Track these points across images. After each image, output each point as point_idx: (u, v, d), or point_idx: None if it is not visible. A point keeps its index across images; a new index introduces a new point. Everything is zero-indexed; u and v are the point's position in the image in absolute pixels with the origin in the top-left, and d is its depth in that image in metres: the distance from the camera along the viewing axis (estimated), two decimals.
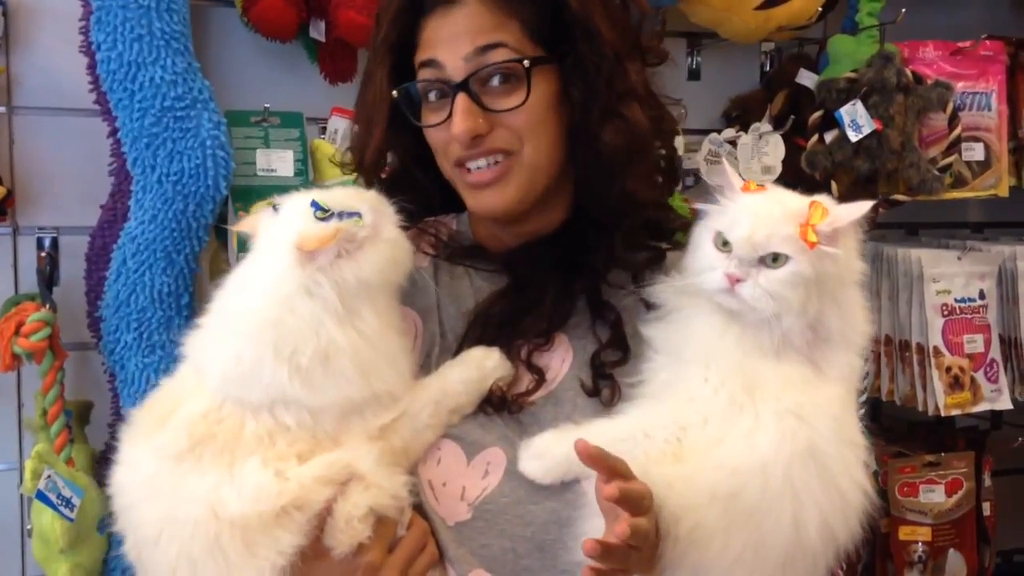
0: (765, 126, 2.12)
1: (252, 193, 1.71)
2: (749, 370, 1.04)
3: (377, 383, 1.07)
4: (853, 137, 2.00)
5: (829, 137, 2.05)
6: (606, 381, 1.15)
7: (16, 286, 1.84)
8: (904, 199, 2.06)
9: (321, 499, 1.02)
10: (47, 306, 1.68)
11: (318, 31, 1.88)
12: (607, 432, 1.05)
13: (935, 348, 2.08)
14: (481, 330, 1.19)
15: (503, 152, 1.16)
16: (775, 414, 1.01)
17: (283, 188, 1.73)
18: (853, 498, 1.03)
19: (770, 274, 1.02)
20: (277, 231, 1.09)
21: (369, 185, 1.22)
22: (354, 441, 1.06)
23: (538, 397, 1.16)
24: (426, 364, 1.18)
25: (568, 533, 1.06)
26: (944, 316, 2.10)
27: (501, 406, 1.15)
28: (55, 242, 1.81)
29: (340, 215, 1.07)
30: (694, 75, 2.24)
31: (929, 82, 2.06)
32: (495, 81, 1.14)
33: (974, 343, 2.11)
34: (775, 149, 2.11)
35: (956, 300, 2.11)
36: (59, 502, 1.55)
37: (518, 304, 1.20)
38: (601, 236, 1.21)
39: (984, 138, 2.15)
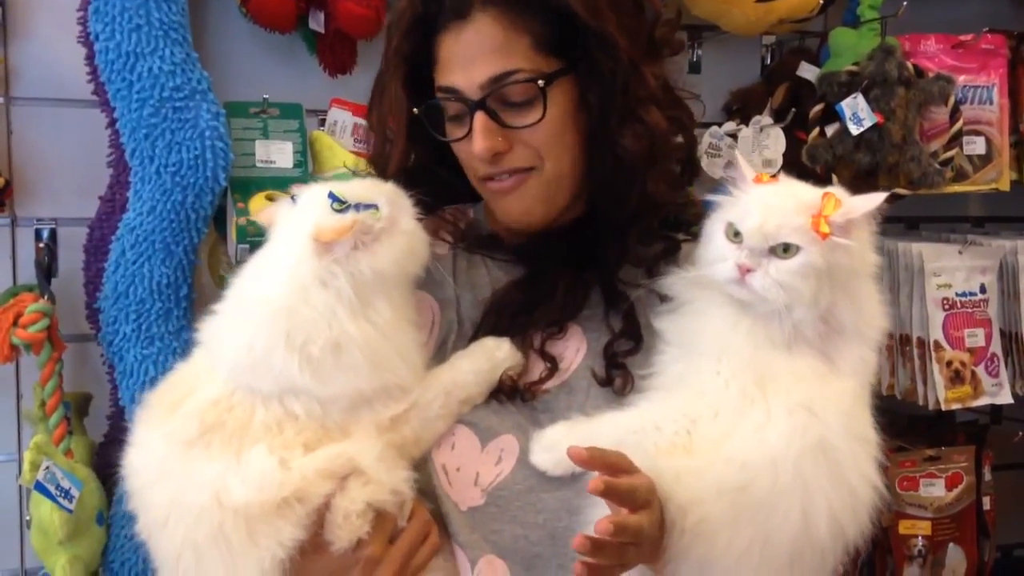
0: (766, 119, 2.12)
1: (251, 184, 1.71)
2: (760, 363, 1.04)
3: (388, 375, 1.07)
4: (854, 130, 1.99)
5: (830, 130, 2.04)
6: (619, 371, 1.16)
7: (14, 277, 1.83)
8: (905, 193, 2.05)
9: (321, 492, 1.03)
10: (45, 297, 1.68)
11: (317, 22, 1.87)
12: (617, 424, 1.06)
13: (936, 342, 2.08)
14: (496, 319, 1.20)
15: (527, 167, 1.18)
16: (786, 408, 1.01)
17: (282, 180, 1.73)
18: (863, 493, 1.03)
19: (781, 264, 1.02)
20: (294, 222, 1.10)
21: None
22: (363, 432, 1.07)
23: (552, 386, 1.17)
24: (442, 351, 1.20)
25: (579, 521, 1.06)
26: (945, 310, 2.09)
27: (513, 394, 1.16)
28: (53, 233, 1.80)
29: (357, 207, 1.08)
30: (694, 68, 2.23)
31: (930, 75, 2.05)
32: (512, 99, 1.15)
33: (975, 337, 2.11)
34: (776, 142, 2.11)
35: (957, 294, 2.10)
36: (58, 493, 1.55)
37: (533, 294, 1.21)
38: (616, 229, 1.22)
39: (985, 132, 2.14)
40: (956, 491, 2.20)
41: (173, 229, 1.63)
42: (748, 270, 1.03)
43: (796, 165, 2.06)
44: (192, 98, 1.62)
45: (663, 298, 1.15)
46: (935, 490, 2.18)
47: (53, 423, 1.65)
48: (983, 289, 2.13)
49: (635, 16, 1.20)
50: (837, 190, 1.06)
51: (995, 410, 2.32)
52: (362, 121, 1.87)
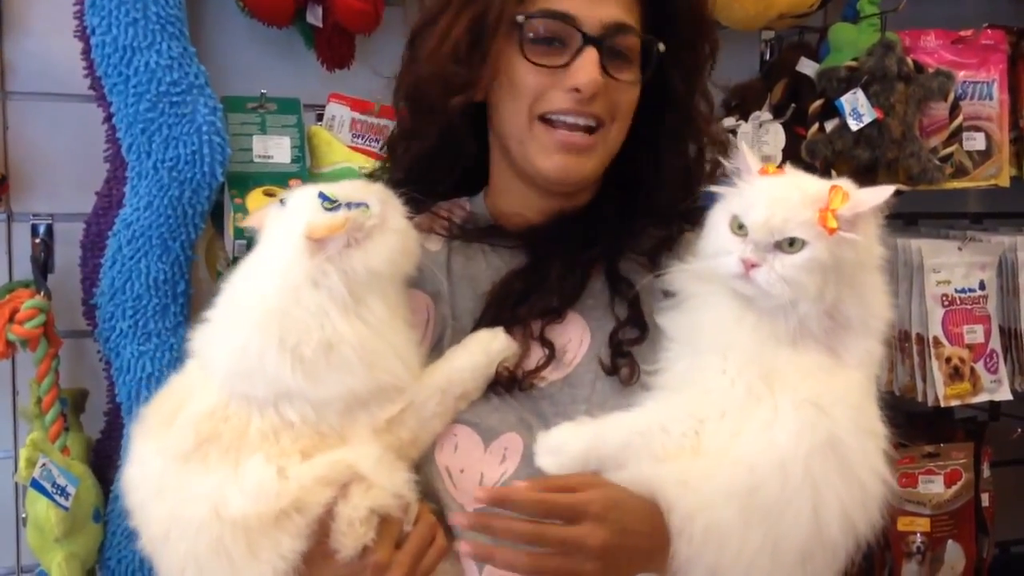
0: (765, 115, 2.11)
1: (248, 180, 1.70)
2: (766, 359, 1.03)
3: (382, 375, 1.06)
4: (854, 126, 1.99)
5: (829, 126, 2.03)
6: (624, 359, 1.15)
7: (10, 273, 1.82)
8: (904, 188, 2.04)
9: (321, 501, 1.02)
10: (41, 293, 1.67)
11: (315, 16, 1.86)
12: (623, 426, 1.05)
13: (935, 338, 2.07)
14: (496, 310, 1.19)
15: (600, 121, 1.17)
16: (793, 405, 1.00)
17: (280, 175, 1.72)
18: (873, 488, 1.03)
19: (786, 259, 1.01)
20: (284, 224, 1.09)
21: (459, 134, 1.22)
22: (360, 436, 1.06)
23: (556, 379, 1.16)
24: (438, 348, 1.19)
25: None
26: (944, 306, 2.09)
27: (511, 385, 1.15)
28: (50, 229, 1.78)
29: (348, 205, 1.08)
30: None
31: (930, 71, 2.05)
32: (622, 54, 1.16)
33: (974, 333, 2.10)
34: (775, 138, 2.10)
35: (956, 290, 2.10)
36: (54, 490, 1.54)
37: (532, 282, 1.20)
38: (623, 215, 1.22)
39: (985, 127, 2.14)
40: (955, 488, 2.19)
41: (170, 225, 1.62)
42: (753, 265, 1.02)
43: (795, 161, 2.05)
44: (189, 93, 1.61)
45: (666, 292, 1.14)
46: (934, 487, 2.17)
47: (49, 420, 1.63)
48: (982, 285, 2.13)
49: (714, 33, 1.26)
50: (844, 183, 1.04)
51: (994, 406, 2.31)
52: (361, 116, 1.86)
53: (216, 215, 1.71)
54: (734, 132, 2.11)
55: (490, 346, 1.14)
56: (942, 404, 2.07)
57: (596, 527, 0.97)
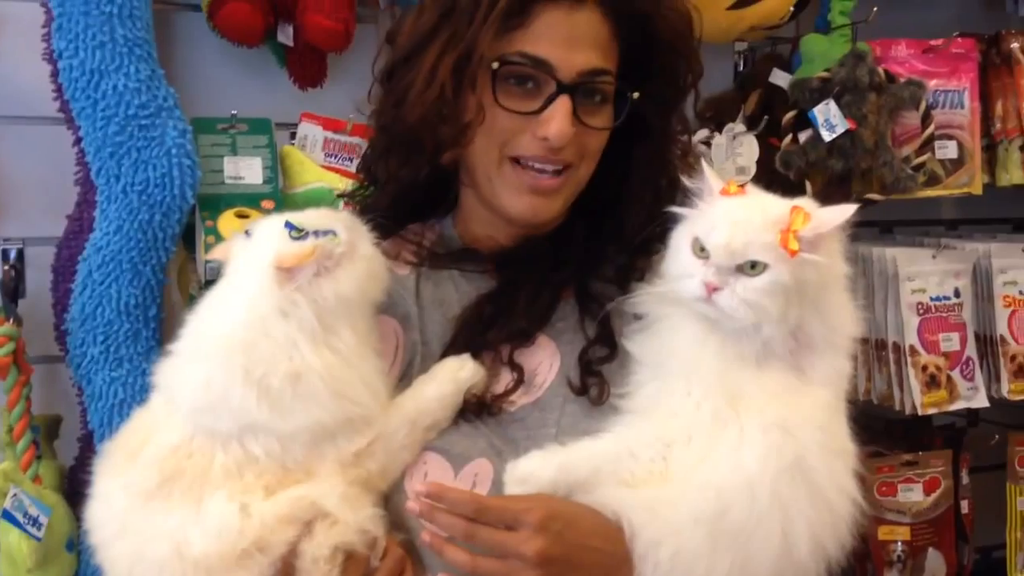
0: (739, 126, 2.11)
1: (220, 201, 1.69)
2: (731, 382, 1.03)
3: (349, 405, 1.05)
4: (827, 136, 1.99)
5: (803, 137, 2.04)
6: (594, 379, 1.15)
7: None
8: (878, 198, 2.05)
9: (284, 540, 1.01)
10: (11, 320, 1.65)
11: (286, 36, 1.86)
12: (592, 453, 1.04)
13: (911, 347, 2.08)
14: (466, 335, 1.18)
15: (570, 166, 1.17)
16: (760, 428, 1.00)
17: (252, 196, 1.71)
18: (842, 509, 1.03)
19: (748, 283, 1.01)
20: (251, 255, 1.08)
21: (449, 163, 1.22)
22: (326, 470, 1.05)
23: (526, 403, 1.16)
24: (408, 374, 1.17)
25: None
26: (919, 315, 2.09)
27: (481, 410, 1.14)
28: (20, 253, 1.77)
29: (316, 234, 1.07)
30: None
31: (901, 81, 2.06)
32: (596, 99, 1.16)
33: (950, 341, 2.11)
34: (749, 149, 2.10)
35: (931, 298, 2.11)
36: (26, 521, 1.52)
37: (503, 306, 1.19)
38: (593, 237, 1.23)
39: (957, 136, 2.15)
40: (934, 495, 2.20)
41: (140, 248, 1.61)
42: (715, 288, 1.01)
43: (770, 172, 2.06)
44: (158, 115, 1.60)
45: (636, 315, 1.14)
46: (913, 495, 2.18)
47: (21, 449, 1.62)
48: (957, 293, 2.14)
49: (695, 58, 1.25)
50: (806, 203, 1.04)
51: (971, 413, 2.32)
52: (333, 135, 1.86)
53: (188, 238, 1.70)
54: (708, 144, 2.11)
55: (458, 374, 1.13)
56: (920, 412, 2.07)
57: (534, 536, 0.98)
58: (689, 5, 1.23)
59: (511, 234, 1.24)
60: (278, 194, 1.74)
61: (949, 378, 2.10)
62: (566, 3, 1.13)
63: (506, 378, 1.16)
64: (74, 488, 1.70)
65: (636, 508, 0.97)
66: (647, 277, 1.16)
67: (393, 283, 1.17)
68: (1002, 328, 2.18)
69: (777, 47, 2.23)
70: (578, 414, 1.14)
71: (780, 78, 2.10)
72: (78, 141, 1.67)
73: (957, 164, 2.15)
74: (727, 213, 1.04)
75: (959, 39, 2.17)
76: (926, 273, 2.11)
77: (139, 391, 1.61)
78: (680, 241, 1.08)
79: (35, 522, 1.53)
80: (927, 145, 2.08)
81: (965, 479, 2.25)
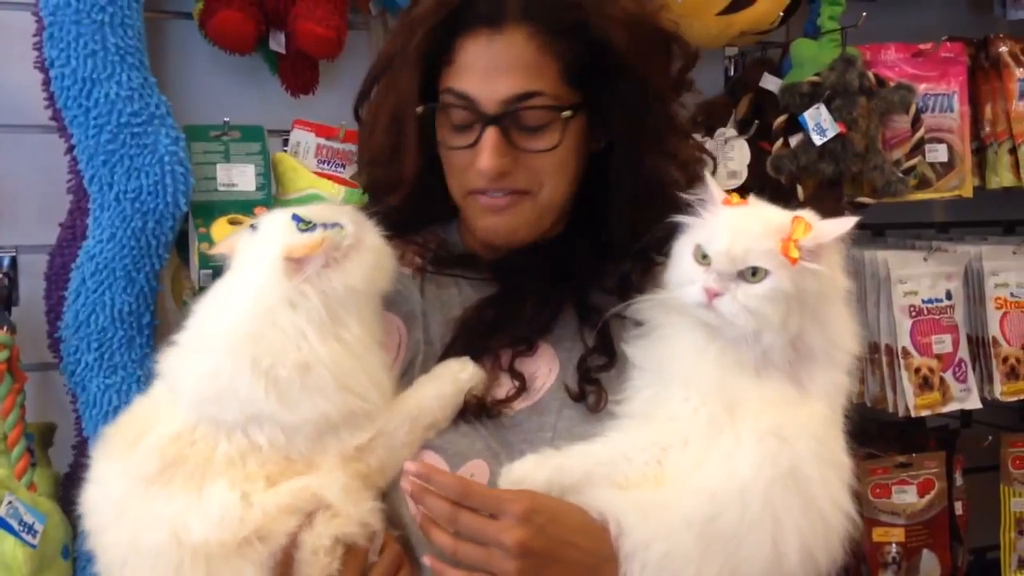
0: (730, 131, 2.12)
1: (213, 209, 1.69)
2: (729, 389, 1.03)
3: (354, 400, 1.06)
4: (817, 141, 2.01)
5: (794, 141, 2.05)
6: (592, 386, 1.15)
7: None
8: (869, 201, 2.06)
9: (285, 530, 1.01)
10: (4, 328, 1.64)
11: (278, 43, 1.86)
12: (587, 456, 1.05)
13: (904, 349, 2.09)
14: (467, 337, 1.19)
15: (523, 192, 1.16)
16: (756, 435, 1.00)
17: (244, 203, 1.71)
18: (835, 521, 1.02)
19: (749, 289, 1.01)
20: (257, 247, 1.09)
21: (406, 200, 1.21)
22: (328, 463, 1.05)
23: (523, 407, 1.16)
24: (409, 371, 1.18)
25: None
26: (912, 317, 2.11)
27: (480, 412, 1.15)
28: (14, 261, 1.77)
29: (323, 226, 1.08)
30: None
31: (891, 85, 2.07)
32: (528, 122, 1.13)
33: (942, 343, 2.12)
34: (740, 154, 2.11)
35: (923, 301, 2.12)
36: (21, 528, 1.52)
37: (503, 311, 1.20)
38: (594, 247, 1.22)
39: (947, 139, 2.16)
40: (928, 497, 2.20)
41: (134, 256, 1.61)
42: (715, 294, 1.02)
43: (761, 176, 2.07)
44: (151, 123, 1.60)
45: (636, 322, 1.14)
46: (907, 496, 2.19)
47: (15, 456, 1.61)
48: (949, 295, 2.15)
49: (665, 56, 1.20)
50: (807, 214, 1.05)
51: (965, 415, 2.33)
52: (326, 142, 1.86)
53: (181, 245, 1.70)
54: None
55: (459, 376, 1.14)
56: (913, 414, 2.08)
57: (516, 526, 0.98)
58: (653, 5, 1.20)
59: (499, 248, 1.24)
60: (271, 201, 1.75)
61: (942, 380, 2.12)
62: (485, 32, 1.12)
63: (506, 384, 1.17)
64: (69, 495, 1.69)
65: (627, 509, 0.97)
66: (648, 289, 1.15)
67: (399, 282, 1.18)
68: (994, 330, 2.19)
69: (767, 52, 2.24)
70: (575, 419, 1.14)
71: (770, 83, 2.11)
72: (71, 149, 1.67)
73: (947, 167, 2.17)
74: (729, 221, 1.05)
75: (948, 43, 2.19)
76: (918, 276, 2.12)
77: (133, 398, 1.60)
78: (682, 249, 1.09)
79: (30, 529, 1.53)
80: (917, 148, 2.10)
81: (959, 480, 2.26)
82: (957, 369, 2.14)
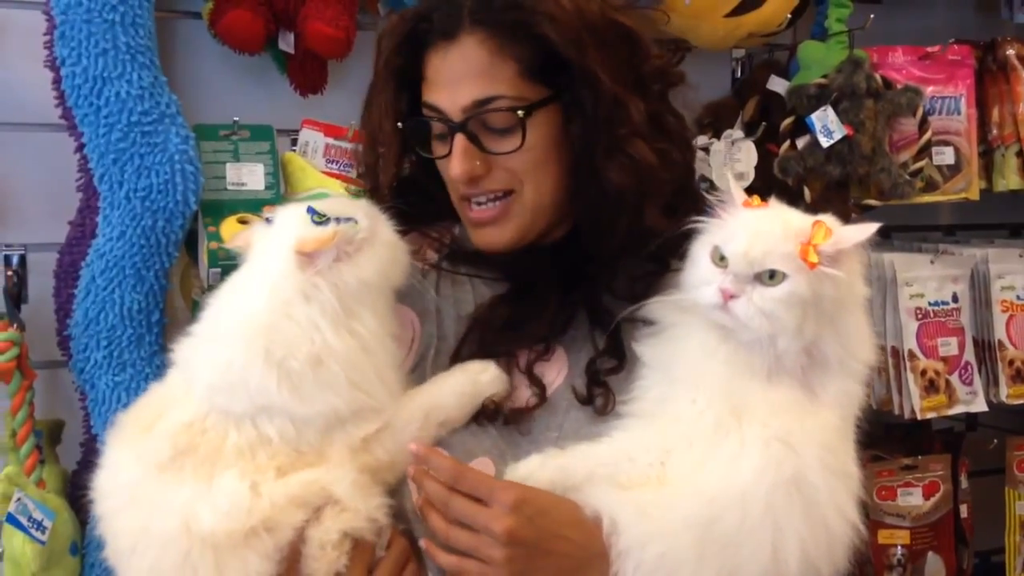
0: (737, 133, 2.12)
1: (222, 207, 1.69)
2: (737, 392, 1.02)
3: (363, 396, 1.06)
4: (824, 143, 2.01)
5: (801, 143, 2.05)
6: (600, 389, 1.15)
7: None
8: (876, 203, 2.06)
9: (292, 523, 1.02)
10: (15, 325, 1.65)
11: (287, 43, 1.86)
12: (590, 456, 1.05)
13: (910, 351, 2.09)
14: (481, 332, 1.19)
15: (503, 192, 1.17)
16: (761, 440, 0.99)
17: (253, 202, 1.72)
18: (839, 530, 1.01)
19: (765, 292, 1.00)
20: (272, 240, 1.10)
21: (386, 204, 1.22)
22: (336, 454, 1.06)
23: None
24: (421, 365, 1.19)
25: None
26: (918, 319, 2.10)
27: (495, 417, 1.15)
28: (23, 259, 1.77)
29: (337, 220, 1.09)
30: None
31: (898, 87, 2.07)
32: (495, 125, 1.15)
33: (948, 346, 2.12)
34: (747, 156, 2.11)
35: (930, 303, 2.11)
36: (30, 525, 1.52)
37: (520, 309, 1.21)
38: (605, 252, 1.21)
39: (954, 142, 2.16)
40: (933, 499, 2.20)
41: (143, 254, 1.62)
42: (731, 296, 1.01)
43: (768, 178, 2.07)
44: (161, 122, 1.61)
45: (647, 323, 1.14)
46: (913, 499, 2.19)
47: (24, 453, 1.62)
48: (955, 298, 2.14)
49: (621, 50, 1.17)
50: (828, 219, 1.03)
51: (970, 417, 2.33)
52: (334, 141, 1.87)
53: (190, 244, 1.71)
54: (707, 150, 2.13)
55: (479, 376, 1.14)
56: (918, 417, 2.08)
57: (505, 514, 0.99)
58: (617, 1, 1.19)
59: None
60: (280, 200, 1.75)
61: (948, 383, 2.11)
62: (442, 45, 1.15)
63: (525, 393, 1.17)
64: (77, 492, 1.70)
65: (625, 507, 0.97)
66: (662, 292, 1.14)
67: (413, 276, 1.19)
68: (1000, 333, 2.19)
69: (775, 54, 2.24)
70: (582, 420, 1.14)
71: (778, 85, 2.11)
72: (80, 147, 1.68)
73: (954, 170, 2.17)
74: (748, 223, 1.03)
75: (955, 46, 2.19)
76: (924, 278, 2.12)
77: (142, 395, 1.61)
78: (700, 251, 1.08)
79: (39, 526, 1.53)
80: (924, 151, 2.09)
81: (964, 483, 2.26)
82: (963, 372, 2.14)
